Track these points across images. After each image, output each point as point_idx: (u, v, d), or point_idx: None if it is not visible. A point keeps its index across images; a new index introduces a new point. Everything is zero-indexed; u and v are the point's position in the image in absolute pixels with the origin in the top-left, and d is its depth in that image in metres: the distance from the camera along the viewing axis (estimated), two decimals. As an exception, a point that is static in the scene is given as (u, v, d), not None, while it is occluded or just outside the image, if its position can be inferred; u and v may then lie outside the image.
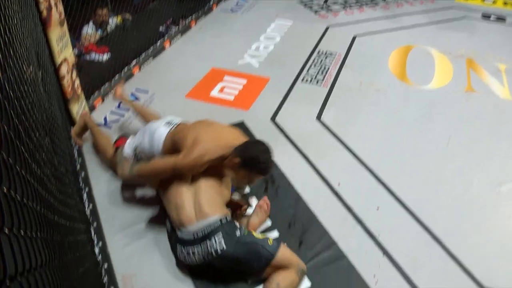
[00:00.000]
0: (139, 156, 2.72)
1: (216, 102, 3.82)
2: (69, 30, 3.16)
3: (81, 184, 2.86)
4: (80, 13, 3.53)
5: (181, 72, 4.28)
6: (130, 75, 4.16)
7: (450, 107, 3.89)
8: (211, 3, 5.93)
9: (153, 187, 2.65)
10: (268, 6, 6.06)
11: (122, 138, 3.02)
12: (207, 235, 2.23)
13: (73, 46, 3.34)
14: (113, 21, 4.63)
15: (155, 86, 4.02)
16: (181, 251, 2.32)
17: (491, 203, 2.93)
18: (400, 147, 3.37)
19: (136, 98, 3.84)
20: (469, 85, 4.27)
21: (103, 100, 3.78)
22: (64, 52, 3.05)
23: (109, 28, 4.54)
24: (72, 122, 3.27)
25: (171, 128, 2.65)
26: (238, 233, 2.27)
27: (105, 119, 3.55)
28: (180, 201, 2.34)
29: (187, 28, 5.22)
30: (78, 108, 3.30)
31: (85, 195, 2.79)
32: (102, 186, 2.92)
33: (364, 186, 3.00)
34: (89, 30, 4.28)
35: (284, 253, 2.29)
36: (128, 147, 2.79)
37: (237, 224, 2.33)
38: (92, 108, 3.63)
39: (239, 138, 2.49)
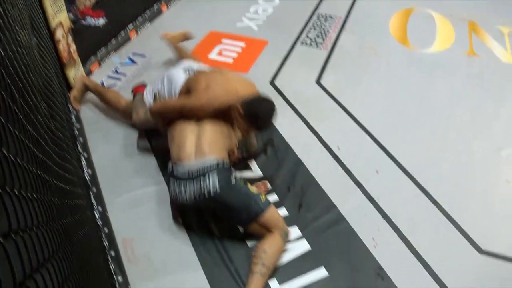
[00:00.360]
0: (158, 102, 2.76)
1: (214, 65, 3.77)
2: (63, -8, 3.09)
3: (79, 150, 2.84)
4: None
5: (179, 36, 4.21)
6: (127, 39, 4.09)
7: (451, 72, 3.84)
8: (209, -35, 5.78)
9: (161, 127, 2.66)
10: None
11: (140, 86, 3.06)
12: (202, 173, 2.26)
13: (68, 10, 3.27)
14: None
15: (152, 50, 3.95)
16: (174, 188, 2.34)
17: (492, 168, 2.92)
18: (401, 112, 3.35)
19: (134, 62, 3.78)
20: (471, 48, 4.21)
21: (99, 64, 3.73)
22: (58, 16, 2.98)
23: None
24: (69, 87, 3.23)
25: (189, 75, 2.72)
26: (233, 180, 2.31)
27: (102, 83, 3.51)
28: (183, 139, 2.40)
29: (185, -9, 5.11)
30: (74, 73, 3.26)
31: (83, 161, 2.78)
32: (101, 152, 2.91)
33: (364, 150, 2.99)
34: (83, -7, 4.18)
35: (273, 212, 2.32)
36: (148, 94, 2.89)
37: (234, 172, 2.37)
38: (88, 73, 3.59)
39: (249, 89, 2.53)
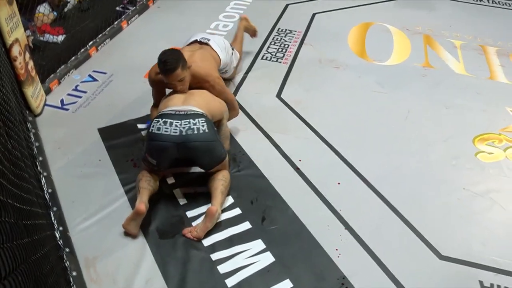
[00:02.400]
0: None
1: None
2: (20, 10, 3.04)
3: (39, 169, 2.78)
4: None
5: (140, 52, 4.19)
6: (87, 56, 4.05)
7: (408, 83, 3.95)
8: (169, -19, 5.80)
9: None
10: (227, -16, 5.98)
11: None
12: (190, 115, 2.50)
13: (26, 28, 3.22)
14: (70, 2, 4.49)
15: (113, 67, 3.93)
16: (157, 121, 2.50)
17: (447, 175, 3.01)
18: (360, 123, 3.42)
19: (94, 79, 3.75)
20: (427, 60, 4.35)
21: (59, 82, 3.67)
22: (15, 32, 2.94)
23: (66, 9, 4.41)
24: (27, 105, 3.18)
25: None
26: (215, 129, 2.61)
27: (61, 101, 3.47)
28: (171, 96, 2.69)
29: (145, 7, 5.10)
30: (33, 91, 3.20)
31: (43, 180, 2.72)
32: (61, 170, 2.86)
33: (325, 162, 3.04)
34: (41, 10, 4.13)
35: (227, 156, 2.72)
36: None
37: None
38: (48, 91, 3.53)
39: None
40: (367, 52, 4.43)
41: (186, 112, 2.51)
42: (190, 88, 2.76)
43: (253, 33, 4.17)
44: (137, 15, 4.90)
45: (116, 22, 4.63)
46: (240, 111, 3.19)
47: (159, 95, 2.92)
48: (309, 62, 4.16)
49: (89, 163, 2.93)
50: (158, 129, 2.48)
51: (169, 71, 2.60)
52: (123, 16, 4.77)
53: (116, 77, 3.80)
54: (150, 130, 2.53)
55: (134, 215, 2.42)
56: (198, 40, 3.28)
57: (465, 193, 2.87)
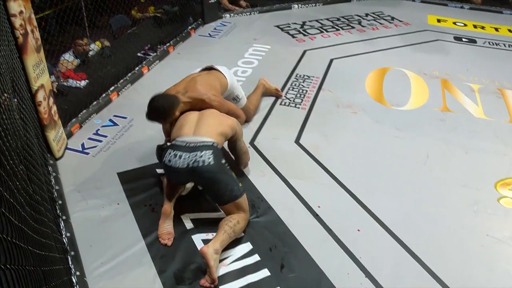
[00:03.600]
0: None
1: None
2: (47, 56, 3.13)
3: (58, 212, 2.79)
4: (58, 40, 3.51)
5: (160, 97, 4.26)
6: (108, 101, 4.13)
7: (427, 127, 3.93)
8: (189, 28, 5.96)
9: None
10: (246, 31, 6.11)
11: None
12: (197, 148, 2.61)
13: (51, 73, 3.31)
14: (93, 48, 4.62)
15: (133, 112, 3.99)
16: (169, 153, 2.67)
17: (469, 221, 2.93)
18: (378, 168, 3.39)
19: (115, 124, 3.80)
20: (445, 105, 4.33)
21: (80, 126, 3.74)
22: (40, 78, 3.01)
23: (89, 56, 4.54)
24: (49, 148, 3.22)
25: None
26: (223, 161, 2.67)
27: (82, 145, 3.51)
28: (184, 121, 2.84)
29: (165, 53, 5.23)
30: (55, 135, 3.25)
31: (62, 223, 2.72)
32: (79, 214, 2.87)
33: (344, 208, 2.99)
34: (66, 57, 4.25)
35: (245, 199, 2.71)
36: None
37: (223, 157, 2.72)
38: (69, 135, 3.59)
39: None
40: (384, 96, 4.44)
41: (196, 144, 2.65)
42: (197, 108, 3.01)
43: (275, 93, 4.27)
44: (157, 61, 5.01)
45: (137, 68, 4.74)
46: (247, 118, 3.62)
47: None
48: (327, 107, 4.18)
49: (108, 207, 2.93)
50: (169, 161, 2.66)
51: (152, 118, 2.98)
52: (144, 62, 4.88)
53: (136, 121, 3.85)
54: (163, 160, 2.71)
55: (163, 217, 2.71)
56: (206, 67, 3.57)
57: (488, 240, 2.79)
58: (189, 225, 2.81)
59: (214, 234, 2.65)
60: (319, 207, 2.97)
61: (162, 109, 2.89)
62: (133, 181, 3.15)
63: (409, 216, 2.94)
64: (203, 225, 2.81)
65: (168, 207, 2.72)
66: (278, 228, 2.79)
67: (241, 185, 2.70)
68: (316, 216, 2.91)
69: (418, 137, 3.77)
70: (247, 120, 3.75)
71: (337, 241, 2.72)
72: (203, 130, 2.74)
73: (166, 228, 2.71)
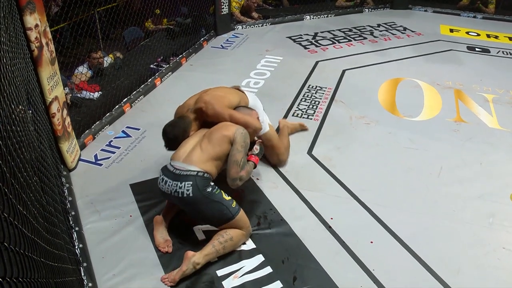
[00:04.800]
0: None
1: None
2: (61, 68, 3.16)
3: (71, 223, 2.80)
4: (72, 52, 3.55)
5: (172, 109, 4.20)
6: (121, 113, 4.16)
7: (440, 138, 3.90)
8: (202, 40, 6.00)
9: None
10: (258, 42, 6.14)
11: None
12: (180, 177, 2.62)
13: (65, 85, 3.34)
14: (107, 61, 4.66)
15: (146, 124, 4.01)
16: (160, 175, 2.74)
17: (485, 234, 2.89)
18: (392, 181, 3.36)
19: (128, 135, 3.82)
20: (458, 115, 4.30)
21: (93, 137, 3.76)
22: (55, 90, 3.05)
23: (103, 68, 4.58)
24: (62, 160, 3.25)
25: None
26: (209, 189, 2.62)
27: (95, 156, 3.53)
28: (185, 142, 2.87)
29: (178, 65, 5.26)
30: (68, 146, 3.28)
31: (75, 234, 2.73)
32: (92, 225, 2.88)
33: (357, 220, 2.97)
34: (80, 69, 4.29)
35: (241, 216, 2.69)
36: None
37: (212, 183, 2.67)
38: (82, 146, 3.61)
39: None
40: (397, 107, 4.42)
41: (180, 172, 2.64)
42: (202, 119, 3.06)
43: (301, 127, 3.98)
44: (170, 73, 5.05)
45: (150, 80, 4.77)
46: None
47: None
48: (339, 119, 4.17)
49: (120, 218, 2.94)
50: (159, 183, 2.74)
51: (167, 147, 3.00)
52: (157, 74, 4.92)
53: (148, 133, 3.87)
54: (158, 182, 2.78)
55: (155, 227, 2.78)
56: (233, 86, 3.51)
57: (505, 253, 2.74)
58: (201, 236, 2.80)
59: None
60: (332, 219, 2.95)
61: (176, 138, 2.93)
62: (146, 193, 3.16)
63: (423, 229, 2.91)
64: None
65: (159, 217, 2.79)
66: (291, 240, 2.78)
67: (234, 204, 2.65)
68: (329, 228, 2.89)
69: (431, 149, 3.74)
70: (281, 162, 3.49)
71: (350, 254, 2.70)
72: (194, 157, 2.70)
73: (162, 237, 2.75)
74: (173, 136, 2.94)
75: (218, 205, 2.60)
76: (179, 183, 2.60)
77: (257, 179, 3.30)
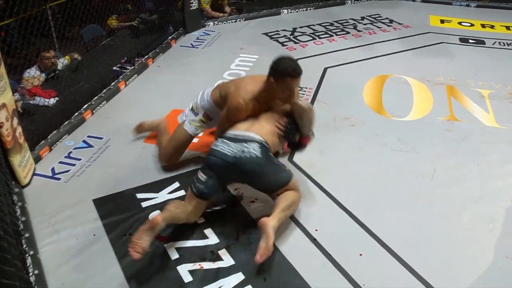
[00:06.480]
0: (195, 111, 3.46)
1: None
2: (9, 72, 3.10)
3: (24, 247, 2.74)
4: (21, 53, 3.49)
5: (139, 115, 4.23)
6: (81, 121, 4.10)
7: (432, 139, 3.94)
8: (170, 38, 5.97)
9: None
10: (232, 39, 6.15)
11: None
12: (245, 140, 2.87)
13: (14, 90, 3.28)
14: (62, 62, 4.60)
15: (110, 132, 3.97)
16: (217, 142, 2.92)
17: (484, 241, 2.91)
18: (380, 186, 3.37)
19: (89, 145, 3.77)
20: (451, 113, 4.35)
21: (50, 149, 3.70)
22: (2, 96, 2.98)
23: (57, 72, 4.52)
24: (13, 175, 3.18)
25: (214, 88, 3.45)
26: (270, 154, 2.95)
27: (52, 170, 3.47)
28: (241, 122, 3.08)
29: (144, 67, 5.23)
30: (20, 159, 3.21)
31: (29, 259, 2.66)
32: (50, 248, 2.81)
33: (344, 231, 2.97)
34: (31, 72, 4.23)
35: (295, 179, 2.99)
36: (183, 115, 3.58)
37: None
38: (37, 159, 3.55)
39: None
40: (384, 107, 4.45)
41: (244, 138, 2.89)
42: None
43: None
44: (135, 75, 5.02)
45: (113, 83, 4.73)
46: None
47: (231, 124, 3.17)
48: (322, 121, 4.16)
49: (83, 238, 2.88)
50: (216, 145, 2.89)
51: (300, 74, 3.06)
52: (121, 77, 4.88)
53: (113, 142, 3.83)
54: (211, 147, 2.92)
55: (148, 226, 2.60)
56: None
57: (507, 263, 2.75)
58: (174, 255, 2.76)
59: (202, 263, 2.65)
60: (316, 230, 2.95)
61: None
62: (111, 208, 3.11)
63: (417, 238, 2.92)
64: (190, 254, 2.76)
65: (159, 217, 2.65)
66: (272, 255, 2.75)
67: (287, 168, 2.99)
68: (313, 240, 2.88)
69: (423, 150, 3.77)
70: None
71: (338, 268, 2.68)
72: (255, 129, 2.98)
73: (143, 241, 2.56)
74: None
75: (279, 168, 2.93)
76: (245, 143, 2.84)
77: (235, 189, 3.28)
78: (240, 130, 2.99)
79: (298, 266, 2.69)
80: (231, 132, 2.99)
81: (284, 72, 2.99)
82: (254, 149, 2.82)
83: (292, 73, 3.00)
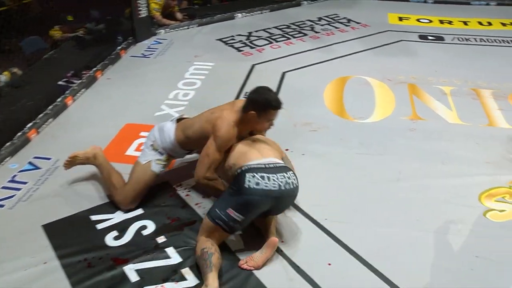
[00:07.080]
0: (159, 150, 3.32)
1: (133, 163, 3.71)
2: None
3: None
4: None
5: (89, 131, 4.17)
6: (25, 141, 4.00)
7: (396, 140, 4.01)
8: (119, 48, 5.91)
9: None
10: (185, 47, 6.14)
11: None
12: (281, 169, 2.81)
13: None
14: (1, 79, 4.50)
15: (58, 151, 3.87)
16: (252, 177, 2.72)
17: (454, 242, 2.96)
18: (345, 191, 3.42)
19: (36, 167, 3.69)
20: (414, 112, 4.43)
21: (-9, 174, 3.61)
22: None
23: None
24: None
25: (176, 122, 3.38)
26: None
27: (-4, 196, 3.39)
28: (243, 149, 2.99)
29: (93, 80, 5.16)
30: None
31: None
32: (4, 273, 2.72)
33: (310, 240, 2.98)
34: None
35: None
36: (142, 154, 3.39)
37: None
38: (-24, 184, 3.45)
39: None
40: (346, 109, 4.51)
41: (274, 164, 2.83)
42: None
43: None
44: (84, 89, 4.94)
45: (60, 99, 4.64)
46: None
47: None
48: (281, 127, 4.11)
49: (32, 269, 2.78)
50: (257, 184, 2.70)
51: (281, 104, 3.07)
52: (68, 92, 4.79)
53: (62, 163, 3.73)
54: (246, 186, 2.71)
55: None
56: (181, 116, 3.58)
57: (478, 262, 2.81)
58: (134, 277, 2.69)
59: (165, 284, 2.63)
60: (282, 242, 2.95)
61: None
62: (63, 234, 3.04)
63: (386, 243, 2.96)
64: (150, 275, 2.72)
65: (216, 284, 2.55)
66: (237, 272, 2.74)
67: None
68: (280, 252, 2.88)
69: (387, 152, 3.84)
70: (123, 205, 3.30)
71: (307, 279, 2.69)
72: (269, 152, 2.97)
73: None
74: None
75: None
76: (284, 173, 2.78)
77: (196, 204, 3.27)
78: (259, 158, 2.86)
79: (265, 280, 2.68)
80: (259, 162, 2.83)
81: (267, 105, 3.02)
82: (294, 179, 2.82)
83: (276, 105, 3.04)
